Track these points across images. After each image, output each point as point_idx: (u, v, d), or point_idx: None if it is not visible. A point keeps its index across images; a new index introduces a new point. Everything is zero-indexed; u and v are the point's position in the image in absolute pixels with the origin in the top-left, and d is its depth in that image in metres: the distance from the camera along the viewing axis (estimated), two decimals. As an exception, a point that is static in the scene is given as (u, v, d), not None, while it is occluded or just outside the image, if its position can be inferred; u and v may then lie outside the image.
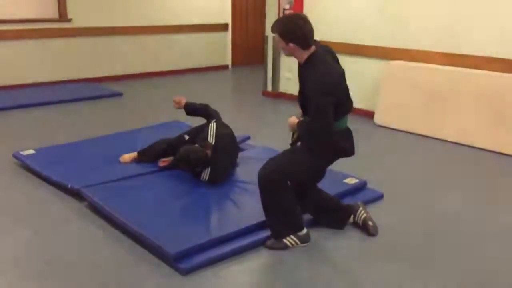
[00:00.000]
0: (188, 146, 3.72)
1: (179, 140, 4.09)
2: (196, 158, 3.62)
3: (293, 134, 3.00)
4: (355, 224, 3.18)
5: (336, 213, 3.20)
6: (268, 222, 2.99)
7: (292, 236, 2.95)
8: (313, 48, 2.77)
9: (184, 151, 3.67)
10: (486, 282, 2.69)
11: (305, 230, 2.99)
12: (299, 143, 2.98)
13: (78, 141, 4.73)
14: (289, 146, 3.04)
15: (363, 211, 3.17)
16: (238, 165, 4.04)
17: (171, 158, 4.02)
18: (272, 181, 2.85)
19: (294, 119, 2.94)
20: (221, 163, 3.74)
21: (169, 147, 4.08)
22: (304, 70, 2.81)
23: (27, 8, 7.46)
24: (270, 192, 2.88)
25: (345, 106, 2.86)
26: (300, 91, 2.88)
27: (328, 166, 3.02)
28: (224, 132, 3.91)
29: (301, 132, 2.88)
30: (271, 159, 2.97)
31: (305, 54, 2.76)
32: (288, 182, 2.92)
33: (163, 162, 4.01)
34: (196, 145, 3.75)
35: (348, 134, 2.94)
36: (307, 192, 3.11)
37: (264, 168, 2.91)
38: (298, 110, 2.99)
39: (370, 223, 3.13)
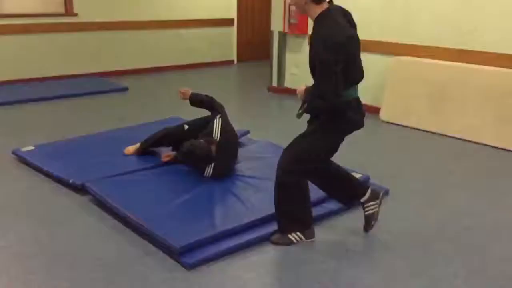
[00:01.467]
0: (193, 142, 3.70)
1: (179, 129, 4.09)
2: (200, 154, 3.62)
3: (302, 105, 2.85)
4: (362, 207, 3.09)
5: (349, 188, 3.09)
6: (277, 216, 2.98)
7: (298, 232, 2.95)
8: (326, 5, 2.68)
9: (188, 146, 3.65)
10: (492, 279, 2.68)
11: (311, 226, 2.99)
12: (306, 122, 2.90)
13: (80, 136, 4.74)
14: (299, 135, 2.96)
15: (377, 206, 3.06)
16: (239, 161, 4.04)
17: (173, 153, 4.03)
18: (290, 172, 2.81)
19: (303, 86, 2.84)
20: (225, 159, 3.74)
21: (169, 135, 4.10)
22: (314, 28, 2.70)
23: (33, 3, 7.48)
24: (285, 187, 2.85)
25: (354, 73, 2.74)
26: (310, 53, 2.73)
27: (341, 142, 2.90)
28: (228, 129, 3.90)
29: (308, 98, 2.76)
30: (286, 150, 2.91)
31: (318, 10, 2.67)
32: (305, 178, 2.89)
33: (166, 157, 4.01)
34: (201, 140, 3.74)
35: (357, 105, 2.82)
36: (324, 169, 3.02)
37: (280, 161, 2.87)
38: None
39: (372, 222, 3.06)
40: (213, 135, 3.75)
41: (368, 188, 3.08)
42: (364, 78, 2.85)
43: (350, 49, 2.65)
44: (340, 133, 2.86)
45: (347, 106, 2.74)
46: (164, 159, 4.00)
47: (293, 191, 2.87)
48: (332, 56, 2.56)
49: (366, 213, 3.09)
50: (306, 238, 2.97)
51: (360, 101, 2.86)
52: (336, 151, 2.95)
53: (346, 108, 2.74)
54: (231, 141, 3.86)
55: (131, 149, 4.19)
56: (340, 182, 3.08)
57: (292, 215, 2.94)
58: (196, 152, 3.61)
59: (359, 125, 2.86)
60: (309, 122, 2.93)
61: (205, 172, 3.69)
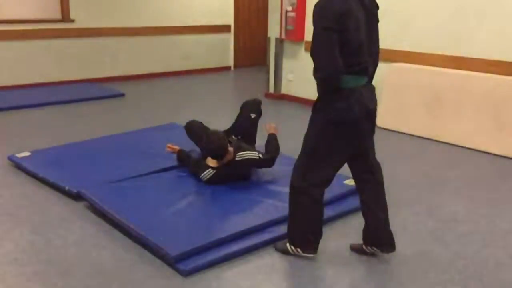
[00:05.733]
0: (223, 136, 3.66)
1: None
2: (219, 145, 3.55)
3: None
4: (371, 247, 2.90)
5: (379, 233, 2.85)
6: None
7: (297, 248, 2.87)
8: None
9: (215, 134, 3.63)
10: (488, 284, 2.68)
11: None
12: None
13: (76, 142, 4.72)
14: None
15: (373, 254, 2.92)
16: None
17: (177, 147, 4.05)
18: (298, 182, 2.71)
19: None
20: (225, 175, 3.69)
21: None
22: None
23: (30, 9, 7.49)
24: (293, 198, 2.77)
25: (357, 59, 2.48)
26: None
27: (340, 142, 2.60)
28: (249, 166, 3.75)
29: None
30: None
31: None
32: (319, 189, 2.71)
33: (169, 147, 4.05)
34: (229, 145, 3.66)
35: (350, 96, 2.50)
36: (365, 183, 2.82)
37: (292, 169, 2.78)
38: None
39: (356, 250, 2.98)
40: (239, 153, 3.64)
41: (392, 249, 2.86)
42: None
43: (349, 24, 2.40)
44: (329, 126, 2.57)
45: (337, 93, 2.50)
46: (167, 149, 4.04)
47: (300, 205, 2.74)
48: (326, 23, 2.37)
49: (364, 248, 2.92)
50: (303, 252, 2.85)
51: (362, 94, 2.55)
52: (339, 152, 2.64)
53: (333, 95, 2.50)
54: (238, 170, 3.73)
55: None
56: (366, 219, 2.86)
57: (295, 228, 2.83)
58: (215, 143, 3.56)
59: (349, 117, 2.53)
60: None
61: (204, 174, 3.66)
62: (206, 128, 4.17)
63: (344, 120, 2.54)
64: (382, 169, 2.88)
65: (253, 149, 3.80)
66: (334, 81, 2.47)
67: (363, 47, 2.50)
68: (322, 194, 2.76)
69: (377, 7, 2.65)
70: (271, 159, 3.73)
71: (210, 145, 3.59)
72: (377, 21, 2.64)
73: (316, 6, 2.45)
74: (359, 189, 2.89)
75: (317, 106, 2.62)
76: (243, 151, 3.67)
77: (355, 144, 2.67)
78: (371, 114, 2.64)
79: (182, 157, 4.00)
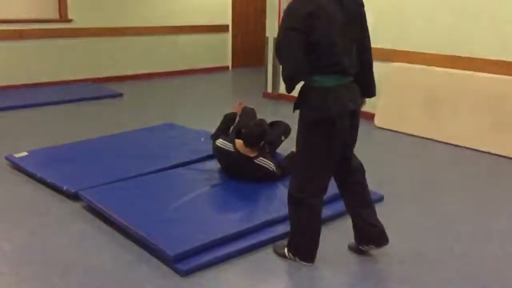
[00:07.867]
0: (266, 134, 3.74)
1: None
2: (257, 135, 3.64)
3: None
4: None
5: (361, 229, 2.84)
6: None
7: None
8: None
9: (267, 126, 3.79)
10: (486, 283, 2.68)
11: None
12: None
13: (74, 142, 4.71)
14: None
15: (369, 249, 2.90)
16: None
17: (239, 110, 4.22)
18: (292, 189, 2.69)
19: None
20: (231, 166, 3.71)
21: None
22: None
23: (27, 9, 7.47)
24: (290, 205, 2.74)
25: (330, 59, 2.45)
26: None
27: (327, 142, 2.56)
28: (262, 174, 3.74)
29: None
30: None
31: None
32: (314, 196, 2.66)
33: (241, 104, 4.23)
34: (263, 143, 3.75)
35: (326, 95, 2.49)
36: (347, 183, 2.82)
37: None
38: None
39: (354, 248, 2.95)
40: (262, 157, 3.68)
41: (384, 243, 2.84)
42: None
43: (317, 24, 2.39)
44: (309, 126, 2.56)
45: (313, 92, 2.52)
46: (239, 104, 4.24)
47: (299, 217, 2.71)
48: (290, 24, 2.39)
49: (360, 247, 2.90)
50: (300, 260, 2.81)
51: (340, 94, 2.51)
52: (325, 152, 2.59)
53: (309, 94, 2.53)
54: (249, 171, 3.71)
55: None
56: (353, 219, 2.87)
57: (294, 237, 2.80)
58: (259, 129, 3.67)
59: (326, 116, 2.49)
60: None
61: (223, 141, 3.75)
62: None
63: (321, 119, 2.52)
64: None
65: (273, 161, 3.77)
66: (296, 80, 2.52)
67: (337, 47, 2.46)
68: (320, 204, 2.72)
69: (361, 5, 2.60)
70: (280, 176, 3.72)
71: (256, 128, 3.67)
72: (363, 19, 2.61)
73: (287, 6, 2.48)
74: (340, 191, 2.89)
75: (296, 107, 2.64)
76: (266, 158, 3.70)
77: (339, 144, 2.61)
78: (352, 114, 2.59)
79: (230, 118, 4.16)
